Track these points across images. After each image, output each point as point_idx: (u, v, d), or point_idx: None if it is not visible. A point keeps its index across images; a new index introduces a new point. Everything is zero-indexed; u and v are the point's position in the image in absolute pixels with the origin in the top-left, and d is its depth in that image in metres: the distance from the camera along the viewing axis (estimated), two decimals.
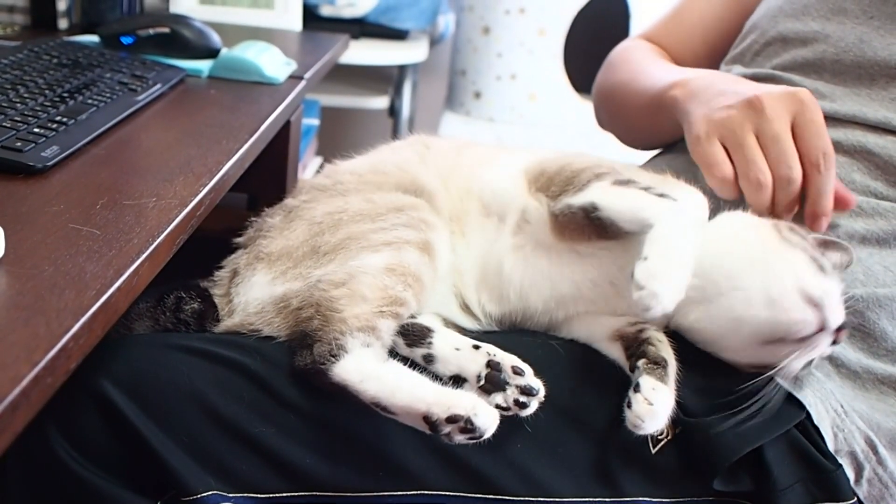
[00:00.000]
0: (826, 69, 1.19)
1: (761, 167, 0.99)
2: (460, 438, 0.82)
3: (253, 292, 0.99)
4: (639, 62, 1.40)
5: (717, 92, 1.07)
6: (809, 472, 0.94)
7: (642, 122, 1.27)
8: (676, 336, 0.99)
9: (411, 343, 0.94)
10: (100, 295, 0.68)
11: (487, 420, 0.82)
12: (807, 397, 0.96)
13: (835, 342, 0.94)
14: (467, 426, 0.82)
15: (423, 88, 3.27)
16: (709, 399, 0.95)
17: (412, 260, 0.95)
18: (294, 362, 0.88)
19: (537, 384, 0.89)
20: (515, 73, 4.08)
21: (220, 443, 0.88)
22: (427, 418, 0.82)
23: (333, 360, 0.85)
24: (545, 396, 0.89)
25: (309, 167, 2.47)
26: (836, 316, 0.93)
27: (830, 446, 0.96)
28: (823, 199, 1.00)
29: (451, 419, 0.81)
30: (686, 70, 1.25)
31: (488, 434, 0.83)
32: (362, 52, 2.54)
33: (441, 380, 0.91)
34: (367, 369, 0.85)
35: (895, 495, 0.98)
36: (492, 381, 0.89)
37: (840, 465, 0.95)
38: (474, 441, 0.83)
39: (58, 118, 1.03)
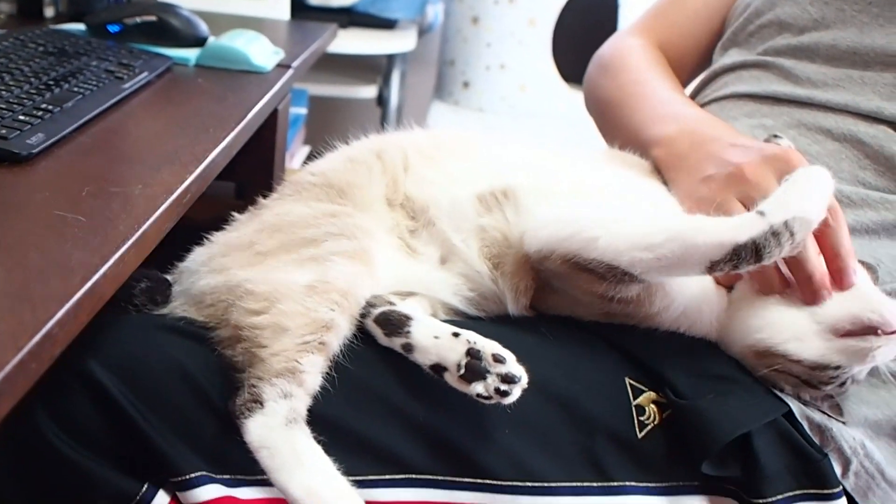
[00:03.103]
0: (820, 55, 1.18)
1: None
2: None
3: (183, 279, 0.99)
4: (633, 82, 1.34)
5: (701, 158, 1.07)
6: (796, 461, 0.95)
7: (630, 149, 1.25)
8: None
9: (389, 333, 0.93)
10: (85, 281, 0.68)
11: None
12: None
13: None
14: None
15: (411, 78, 3.27)
16: (700, 381, 0.95)
17: (340, 273, 0.93)
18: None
19: (519, 371, 0.87)
20: (505, 63, 4.08)
21: (209, 424, 0.88)
22: None
23: (248, 413, 0.84)
24: (534, 381, 0.88)
25: (297, 156, 2.47)
26: None
27: (817, 442, 0.97)
28: (843, 251, 0.96)
29: None
30: (673, 110, 1.21)
31: None
32: (351, 42, 2.54)
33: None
34: (267, 436, 0.83)
35: (881, 485, 0.99)
36: (472, 370, 0.87)
37: (826, 455, 0.96)
38: None
39: (43, 106, 1.03)
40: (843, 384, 0.95)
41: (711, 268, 0.87)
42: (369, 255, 0.97)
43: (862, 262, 1.00)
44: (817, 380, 0.95)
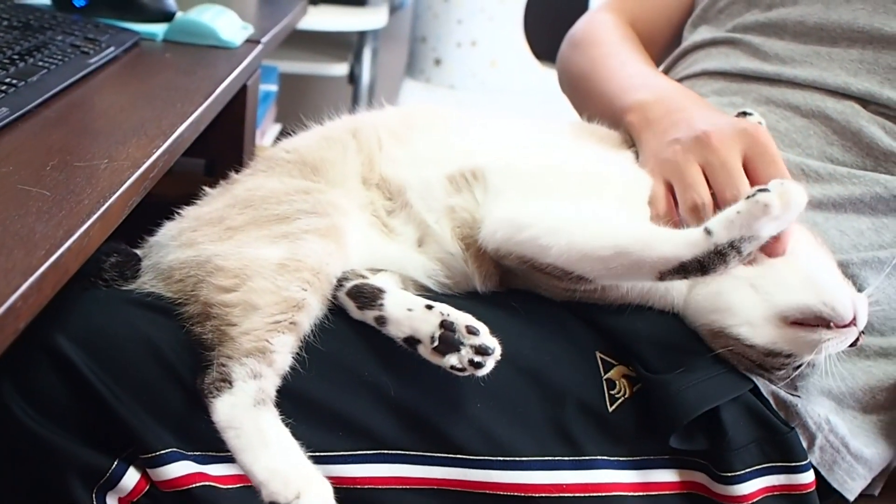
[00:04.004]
0: (788, 31, 1.19)
1: (699, 191, 0.97)
2: None
3: (152, 254, 0.98)
4: (605, 55, 1.34)
5: (672, 122, 1.07)
6: (764, 434, 0.96)
7: (602, 120, 1.25)
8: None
9: (362, 306, 0.93)
10: (49, 255, 0.67)
11: None
12: None
13: (854, 343, 0.95)
14: None
15: (383, 55, 3.26)
16: (670, 356, 0.96)
17: (311, 251, 0.92)
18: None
19: (493, 343, 0.87)
20: (476, 39, 4.07)
21: (179, 400, 0.87)
22: (258, 491, 0.81)
23: (216, 392, 0.83)
24: (505, 355, 0.88)
25: (268, 134, 2.46)
26: (863, 318, 0.95)
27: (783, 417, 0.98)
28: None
29: None
30: (647, 81, 1.22)
31: None
32: (321, 18, 2.53)
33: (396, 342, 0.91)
34: (234, 416, 0.83)
35: (846, 458, 1.00)
36: (445, 342, 0.87)
37: (793, 428, 0.97)
38: None
39: (8, 80, 1.01)
40: (796, 369, 0.95)
41: (661, 278, 0.89)
42: (342, 233, 0.96)
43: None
44: (769, 365, 0.95)
